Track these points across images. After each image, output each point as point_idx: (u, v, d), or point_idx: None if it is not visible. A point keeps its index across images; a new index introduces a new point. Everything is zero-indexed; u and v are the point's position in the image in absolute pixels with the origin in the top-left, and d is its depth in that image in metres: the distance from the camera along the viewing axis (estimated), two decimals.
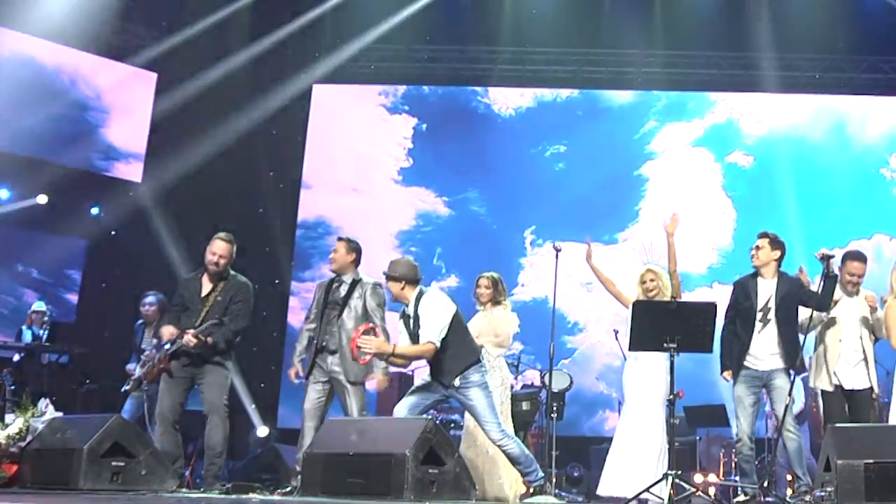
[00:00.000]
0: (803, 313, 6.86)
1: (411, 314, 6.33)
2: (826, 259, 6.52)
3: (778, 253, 6.83)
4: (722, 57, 13.64)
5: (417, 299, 6.33)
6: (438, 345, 6.14)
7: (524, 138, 13.99)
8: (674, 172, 13.67)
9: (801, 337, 6.97)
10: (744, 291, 6.93)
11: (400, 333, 6.40)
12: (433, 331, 6.16)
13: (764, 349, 6.74)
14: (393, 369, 9.87)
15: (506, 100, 14.09)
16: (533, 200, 13.67)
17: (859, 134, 13.71)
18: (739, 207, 13.45)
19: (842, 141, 13.69)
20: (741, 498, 6.67)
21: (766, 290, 6.82)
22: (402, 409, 6.32)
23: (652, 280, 7.17)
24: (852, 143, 13.71)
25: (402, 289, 6.34)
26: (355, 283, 7.08)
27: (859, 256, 7.18)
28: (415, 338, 6.26)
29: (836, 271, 6.67)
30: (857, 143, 13.71)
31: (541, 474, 6.40)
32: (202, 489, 6.94)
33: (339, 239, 7.28)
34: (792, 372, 6.83)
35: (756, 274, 6.93)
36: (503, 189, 13.85)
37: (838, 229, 12.85)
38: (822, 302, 6.65)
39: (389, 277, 6.36)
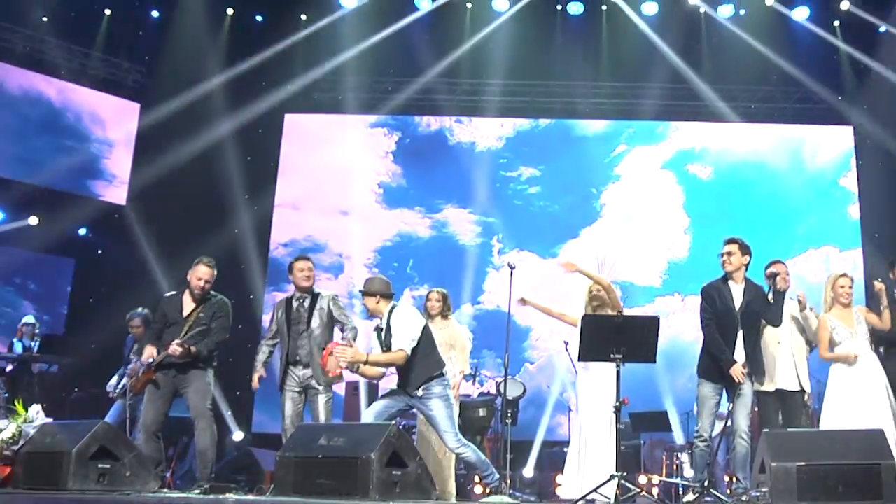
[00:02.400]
0: None
1: (384, 327, 6.48)
2: (772, 277, 6.69)
3: (747, 258, 6.82)
4: (664, 88, 14.06)
5: (390, 313, 6.48)
6: (409, 352, 6.31)
7: (485, 161, 14.38)
8: (633, 193, 14.15)
9: None
10: (720, 295, 6.82)
11: (373, 347, 6.53)
12: (405, 339, 6.33)
13: (735, 354, 6.70)
14: (355, 378, 10.31)
15: (466, 127, 14.53)
16: (499, 215, 14.10)
17: (811, 158, 14.24)
18: (697, 224, 13.92)
19: (794, 164, 14.21)
20: (690, 497, 6.67)
21: (738, 294, 6.77)
22: (370, 414, 6.47)
23: (598, 291, 7.29)
24: (805, 165, 14.24)
25: (378, 303, 6.50)
26: (315, 296, 7.31)
27: (780, 261, 7.26)
28: (387, 349, 6.40)
29: (784, 286, 6.84)
30: (809, 166, 14.23)
31: (496, 476, 6.58)
32: (183, 490, 7.05)
33: (308, 258, 7.49)
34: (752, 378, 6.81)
35: (727, 279, 6.86)
36: (470, 205, 14.21)
37: (790, 241, 13.50)
38: (776, 316, 6.76)
39: (366, 293, 6.52)
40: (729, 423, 6.71)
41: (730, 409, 6.60)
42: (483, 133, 14.55)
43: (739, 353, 6.61)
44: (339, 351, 6.39)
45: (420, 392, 6.38)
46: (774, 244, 12.90)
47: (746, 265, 6.82)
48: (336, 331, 7.36)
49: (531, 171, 14.38)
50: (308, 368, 7.15)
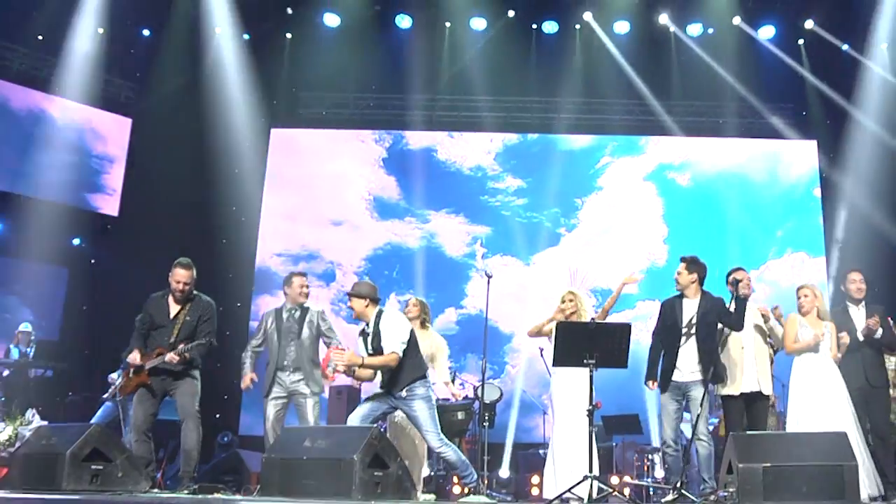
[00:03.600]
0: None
1: (370, 331, 6.62)
2: (734, 284, 6.88)
3: (695, 275, 7.04)
4: (636, 104, 14.43)
5: (377, 317, 6.61)
6: (401, 354, 6.48)
7: (472, 173, 14.68)
8: (615, 204, 14.49)
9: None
10: (670, 310, 7.11)
11: (358, 350, 6.68)
12: (396, 342, 6.49)
13: (686, 362, 6.91)
14: (342, 382, 10.65)
15: (454, 141, 14.80)
16: (484, 224, 14.40)
17: (787, 170, 14.63)
18: (675, 233, 14.25)
19: (771, 175, 14.60)
20: (669, 497, 6.68)
21: (690, 308, 7.00)
22: (356, 418, 6.58)
23: (570, 300, 7.52)
24: (780, 177, 14.63)
25: (365, 307, 6.64)
26: (305, 310, 7.64)
27: (742, 269, 7.38)
28: (376, 351, 6.55)
29: (746, 292, 6.98)
30: (784, 178, 14.63)
31: (475, 476, 6.69)
32: (174, 489, 7.14)
33: (304, 274, 7.85)
34: (710, 384, 6.96)
35: (682, 295, 7.12)
36: (456, 214, 14.48)
37: (765, 249, 14.05)
38: (737, 322, 6.92)
39: (355, 295, 6.66)
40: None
41: (693, 417, 6.79)
42: (472, 147, 14.80)
43: (685, 362, 6.90)
44: (336, 355, 6.56)
45: (404, 393, 6.52)
46: (750, 252, 13.64)
47: (696, 281, 7.07)
48: (321, 344, 7.65)
49: (518, 182, 14.65)
50: (295, 373, 7.42)
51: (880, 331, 7.31)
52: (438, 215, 14.57)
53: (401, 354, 6.50)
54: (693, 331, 6.93)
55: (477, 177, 14.71)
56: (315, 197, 14.69)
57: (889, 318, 7.49)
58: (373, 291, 6.72)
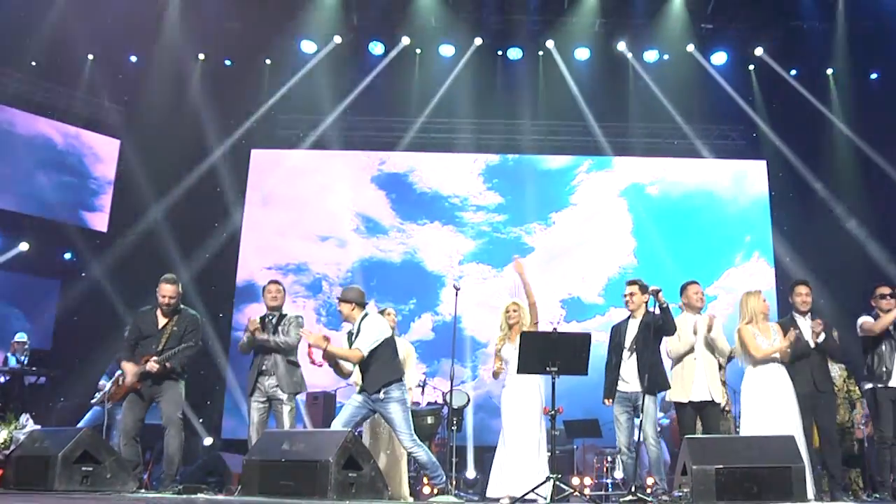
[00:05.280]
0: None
1: (355, 332, 6.82)
2: (655, 294, 7.04)
3: (646, 297, 7.22)
4: (596, 126, 14.80)
5: (362, 319, 6.83)
6: (365, 354, 6.67)
7: (451, 190, 15.13)
8: (587, 219, 14.98)
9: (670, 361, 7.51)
10: (617, 333, 7.42)
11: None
12: (364, 342, 6.70)
13: (630, 375, 7.17)
14: (319, 388, 11.08)
15: (436, 160, 15.34)
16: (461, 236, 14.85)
17: (752, 186, 15.14)
18: (643, 246, 14.74)
19: (729, 193, 15.14)
20: (628, 498, 6.81)
21: (632, 330, 7.31)
22: (339, 423, 6.75)
23: (515, 311, 7.66)
24: (737, 195, 15.14)
25: (353, 310, 6.87)
26: (282, 316, 7.79)
27: (695, 282, 7.77)
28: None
29: (664, 303, 7.08)
30: (741, 196, 15.15)
31: (444, 478, 6.86)
32: (158, 490, 7.25)
33: (278, 282, 7.98)
34: (658, 393, 7.27)
35: (629, 318, 7.41)
36: (435, 229, 14.91)
37: (726, 260, 14.64)
38: (667, 328, 7.13)
39: (343, 300, 6.91)
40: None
41: (639, 423, 7.03)
42: (450, 166, 15.32)
43: (630, 374, 7.18)
44: (305, 331, 6.91)
45: (381, 395, 6.69)
46: (710, 264, 14.26)
47: (646, 302, 7.28)
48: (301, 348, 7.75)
49: (497, 199, 15.08)
50: (272, 378, 7.55)
51: (822, 336, 7.40)
52: (420, 229, 15.04)
53: (364, 353, 6.69)
54: (634, 346, 7.20)
55: (455, 195, 15.13)
56: (297, 213, 15.02)
57: (834, 330, 7.66)
58: (359, 296, 6.97)
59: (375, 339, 6.79)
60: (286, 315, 7.83)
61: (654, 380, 7.10)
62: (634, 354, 7.19)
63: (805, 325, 7.52)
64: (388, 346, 6.89)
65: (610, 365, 7.36)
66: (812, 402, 7.32)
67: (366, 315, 6.92)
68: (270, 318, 7.79)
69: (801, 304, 7.60)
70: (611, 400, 7.25)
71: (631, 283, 7.50)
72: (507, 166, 15.40)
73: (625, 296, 7.46)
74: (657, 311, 7.09)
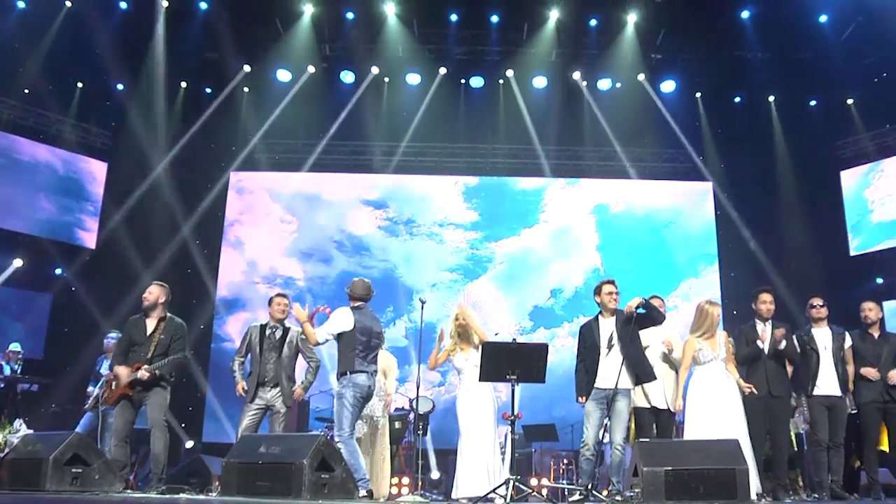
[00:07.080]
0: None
1: None
2: (641, 305, 7.05)
3: (634, 302, 7.12)
4: (553, 149, 15.49)
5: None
6: (319, 340, 6.94)
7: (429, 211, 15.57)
8: (555, 236, 15.51)
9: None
10: (589, 332, 7.26)
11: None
12: (325, 327, 6.94)
13: (610, 371, 6.98)
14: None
15: (417, 181, 15.83)
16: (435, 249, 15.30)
17: (693, 208, 15.73)
18: (607, 260, 15.30)
19: (684, 212, 15.69)
20: (576, 497, 6.86)
21: (608, 326, 7.19)
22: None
23: (463, 321, 7.83)
24: (689, 214, 15.69)
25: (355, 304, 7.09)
26: (287, 329, 7.88)
27: (658, 296, 7.86)
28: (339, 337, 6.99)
29: (643, 301, 7.09)
30: (694, 214, 15.69)
31: (367, 479, 6.84)
32: (144, 490, 7.32)
33: (286, 295, 8.05)
34: (640, 391, 7.34)
35: (598, 316, 7.30)
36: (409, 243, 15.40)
37: (682, 272, 15.19)
38: (654, 317, 7.16)
39: (349, 296, 7.19)
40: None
41: (608, 423, 7.04)
42: (431, 187, 15.81)
43: (609, 371, 7.03)
44: (296, 305, 7.15)
45: (339, 384, 6.95)
46: (668, 277, 14.84)
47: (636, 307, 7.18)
48: (301, 361, 7.99)
49: (473, 217, 15.67)
50: (274, 388, 7.67)
51: (784, 342, 7.47)
52: (400, 245, 15.62)
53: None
54: (614, 342, 7.08)
55: (435, 213, 15.74)
56: (271, 230, 15.56)
57: (792, 335, 7.73)
58: (363, 291, 7.27)
59: (331, 331, 6.99)
60: (290, 329, 7.96)
61: (644, 371, 7.14)
62: (616, 350, 7.08)
63: (766, 331, 7.60)
64: (349, 338, 7.02)
65: (583, 364, 7.24)
66: (766, 405, 7.43)
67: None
68: (275, 329, 7.91)
69: (766, 312, 7.64)
70: (585, 398, 7.12)
71: (613, 281, 7.39)
72: (481, 187, 15.91)
73: (611, 293, 7.28)
74: (641, 311, 7.10)
